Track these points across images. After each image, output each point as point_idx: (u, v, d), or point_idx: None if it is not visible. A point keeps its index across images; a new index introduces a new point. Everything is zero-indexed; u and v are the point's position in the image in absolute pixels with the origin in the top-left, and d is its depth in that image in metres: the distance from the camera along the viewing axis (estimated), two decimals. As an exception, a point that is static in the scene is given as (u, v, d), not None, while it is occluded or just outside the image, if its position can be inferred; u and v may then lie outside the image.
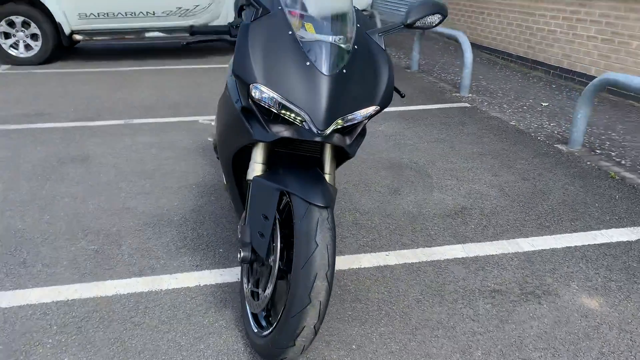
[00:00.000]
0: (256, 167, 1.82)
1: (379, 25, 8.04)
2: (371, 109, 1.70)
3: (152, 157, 3.77)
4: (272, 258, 1.74)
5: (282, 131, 1.66)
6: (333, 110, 1.61)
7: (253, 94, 1.65)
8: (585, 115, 3.91)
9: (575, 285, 2.34)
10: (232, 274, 2.38)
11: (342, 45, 1.69)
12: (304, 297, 1.57)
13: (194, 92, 5.63)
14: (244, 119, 1.73)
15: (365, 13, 7.77)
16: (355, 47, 1.73)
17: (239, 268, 2.43)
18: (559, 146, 4.08)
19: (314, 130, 1.61)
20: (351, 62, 1.68)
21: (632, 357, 1.92)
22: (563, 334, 2.04)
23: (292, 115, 1.62)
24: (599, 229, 2.83)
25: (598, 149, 4.03)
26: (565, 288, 2.32)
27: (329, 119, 1.61)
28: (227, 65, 7.04)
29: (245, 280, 1.98)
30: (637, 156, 3.89)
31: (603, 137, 4.30)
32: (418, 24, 1.84)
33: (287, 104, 1.60)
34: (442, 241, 2.69)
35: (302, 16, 1.76)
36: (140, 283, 2.32)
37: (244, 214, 1.91)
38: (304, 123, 1.63)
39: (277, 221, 1.74)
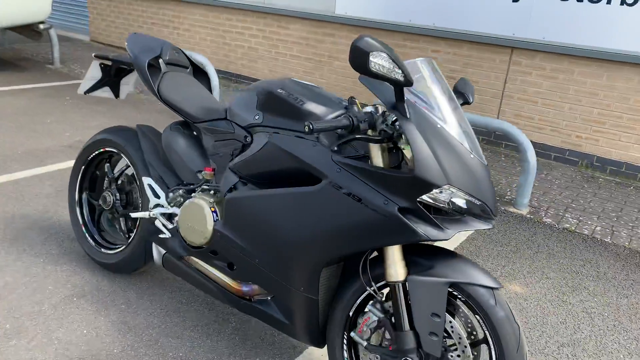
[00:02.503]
0: (399, 266, 1.74)
1: (55, 39, 6.90)
2: None
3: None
4: (455, 354, 1.73)
5: (460, 227, 1.67)
6: (495, 195, 1.75)
7: (437, 195, 1.60)
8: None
9: (489, 277, 3.06)
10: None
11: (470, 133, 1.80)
12: None
13: None
14: (406, 220, 1.65)
15: (43, 27, 6.56)
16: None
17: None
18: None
19: (492, 218, 1.71)
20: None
21: (561, 321, 2.77)
22: (525, 318, 2.71)
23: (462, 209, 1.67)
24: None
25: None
26: (488, 282, 3.01)
27: (496, 205, 1.74)
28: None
29: None
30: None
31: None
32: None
33: (474, 200, 1.64)
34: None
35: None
36: None
37: (383, 320, 1.78)
38: (465, 213, 1.68)
39: (445, 315, 1.74)
